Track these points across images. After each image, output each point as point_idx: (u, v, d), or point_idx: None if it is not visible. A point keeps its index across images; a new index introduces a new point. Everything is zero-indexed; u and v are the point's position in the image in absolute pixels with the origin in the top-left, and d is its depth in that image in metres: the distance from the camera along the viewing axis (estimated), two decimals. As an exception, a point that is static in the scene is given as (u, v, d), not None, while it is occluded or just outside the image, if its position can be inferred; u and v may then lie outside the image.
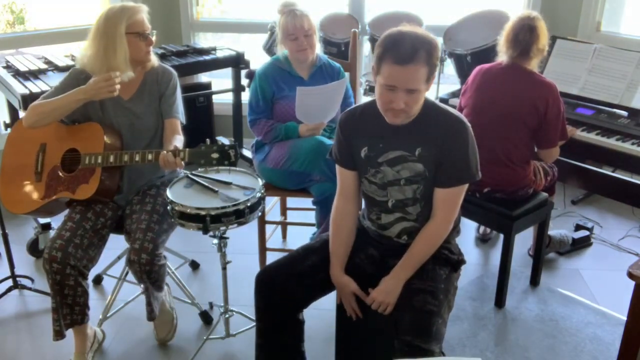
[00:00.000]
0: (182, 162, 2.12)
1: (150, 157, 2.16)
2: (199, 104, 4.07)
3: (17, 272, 2.79)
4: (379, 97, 1.78)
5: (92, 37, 2.25)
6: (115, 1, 4.06)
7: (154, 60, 2.39)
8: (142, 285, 2.28)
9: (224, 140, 2.12)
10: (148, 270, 2.14)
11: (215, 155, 2.08)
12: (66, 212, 2.33)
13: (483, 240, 3.30)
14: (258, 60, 3.55)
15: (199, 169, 2.31)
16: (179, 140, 2.31)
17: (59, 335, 2.22)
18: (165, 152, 2.12)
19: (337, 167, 2.00)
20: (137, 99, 2.34)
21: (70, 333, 2.27)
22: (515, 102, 2.49)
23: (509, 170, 2.56)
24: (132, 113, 2.34)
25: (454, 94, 3.45)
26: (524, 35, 2.49)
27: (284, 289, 1.92)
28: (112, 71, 2.18)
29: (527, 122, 2.50)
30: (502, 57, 2.59)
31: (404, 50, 1.67)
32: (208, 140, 2.11)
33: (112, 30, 2.20)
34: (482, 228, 3.34)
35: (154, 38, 2.31)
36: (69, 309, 2.20)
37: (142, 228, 2.20)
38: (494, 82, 2.58)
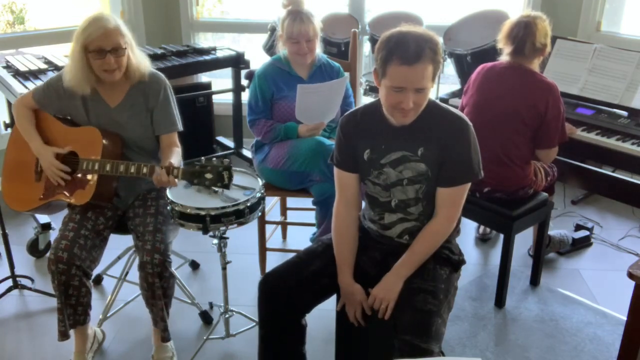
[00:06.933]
0: (176, 180, 2.07)
1: (145, 170, 2.12)
2: (199, 104, 4.06)
3: (17, 272, 2.79)
4: (386, 99, 1.77)
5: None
6: (115, 2, 4.08)
7: (144, 68, 2.26)
8: (152, 309, 2.23)
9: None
10: (160, 272, 2.13)
11: (209, 176, 2.03)
12: (66, 211, 2.33)
13: (483, 240, 3.30)
14: (258, 60, 3.54)
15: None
16: (177, 153, 2.27)
17: (64, 336, 2.22)
18: (158, 169, 2.08)
19: (337, 172, 1.98)
20: (121, 107, 2.28)
21: (70, 333, 2.26)
22: (515, 102, 2.49)
23: (509, 170, 2.56)
24: (116, 122, 2.28)
25: (454, 94, 3.45)
26: (518, 31, 2.50)
27: (288, 296, 1.90)
28: (76, 89, 2.19)
29: (527, 122, 2.50)
30: (504, 56, 2.59)
31: (410, 50, 1.66)
32: (203, 159, 2.06)
33: (74, 47, 2.15)
34: (482, 228, 3.34)
35: (125, 53, 2.15)
36: (72, 309, 2.20)
37: (150, 230, 2.20)
38: (495, 82, 2.58)
